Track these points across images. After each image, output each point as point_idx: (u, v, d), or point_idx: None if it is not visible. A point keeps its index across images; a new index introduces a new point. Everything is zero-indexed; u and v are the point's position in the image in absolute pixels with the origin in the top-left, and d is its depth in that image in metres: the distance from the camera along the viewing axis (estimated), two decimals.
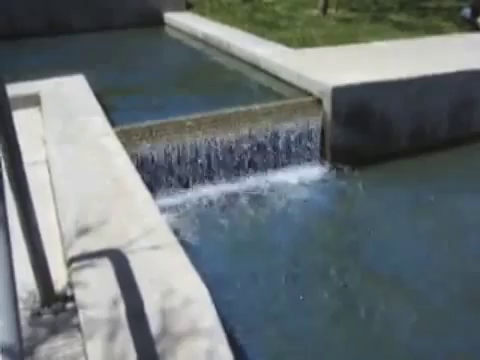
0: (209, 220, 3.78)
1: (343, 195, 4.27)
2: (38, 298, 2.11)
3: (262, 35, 6.41)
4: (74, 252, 2.25)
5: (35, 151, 3.43)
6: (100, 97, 4.33)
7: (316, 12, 7.86)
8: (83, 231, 2.42)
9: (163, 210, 3.57)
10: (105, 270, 2.13)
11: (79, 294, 2.01)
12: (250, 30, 6.74)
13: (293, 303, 2.99)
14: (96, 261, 2.20)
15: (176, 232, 2.57)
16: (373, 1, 8.73)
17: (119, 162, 3.14)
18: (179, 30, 8.17)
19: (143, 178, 3.03)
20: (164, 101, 4.82)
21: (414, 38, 6.25)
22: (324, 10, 7.82)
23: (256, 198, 4.06)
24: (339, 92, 4.38)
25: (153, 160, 3.96)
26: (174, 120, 4.14)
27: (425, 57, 5.40)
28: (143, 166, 3.90)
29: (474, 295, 3.06)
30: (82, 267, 2.17)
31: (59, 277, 2.22)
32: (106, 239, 2.35)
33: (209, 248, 3.45)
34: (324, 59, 5.37)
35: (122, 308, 1.91)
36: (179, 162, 4.04)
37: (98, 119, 3.83)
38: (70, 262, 2.20)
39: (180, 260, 2.19)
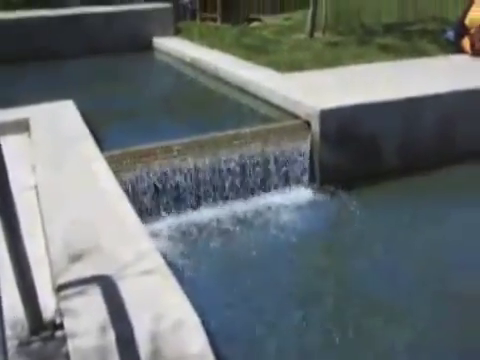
0: (198, 245, 3.77)
1: (333, 217, 4.28)
2: (26, 326, 2.08)
3: (250, 59, 6.47)
4: (63, 279, 2.23)
5: (24, 177, 3.42)
6: (89, 122, 4.34)
7: (303, 36, 7.96)
8: (72, 257, 2.40)
9: (153, 235, 3.56)
10: (94, 297, 2.11)
11: (68, 322, 1.99)
12: (238, 54, 6.81)
13: (284, 329, 2.97)
14: (85, 288, 2.18)
15: (166, 257, 2.56)
16: (359, 24, 8.85)
17: (108, 187, 3.14)
18: (168, 54, 8.24)
19: (133, 203, 3.03)
20: (153, 125, 4.84)
21: (400, 60, 6.34)
22: (311, 34, 7.93)
23: (245, 222, 4.05)
24: (327, 115, 4.43)
25: (142, 185, 3.96)
26: (163, 144, 4.15)
27: (411, 79, 5.48)
28: (133, 191, 3.90)
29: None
30: (71, 294, 2.15)
31: (48, 304, 2.19)
32: (96, 265, 2.33)
33: (199, 273, 3.43)
34: (312, 82, 5.43)
35: (112, 335, 1.89)
36: (168, 187, 4.04)
37: (87, 144, 3.84)
38: (59, 289, 2.18)
39: (170, 285, 2.18)
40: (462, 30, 6.76)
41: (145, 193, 3.98)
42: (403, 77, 5.59)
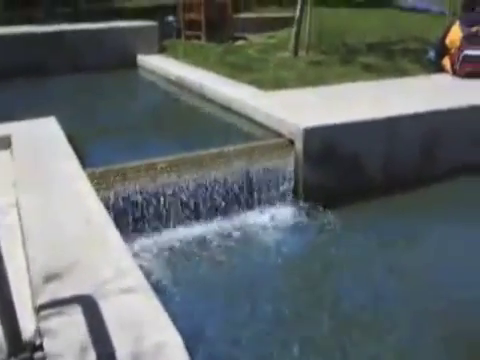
0: (181, 263, 3.74)
1: (317, 236, 4.28)
2: (5, 348, 2.04)
3: (234, 77, 6.50)
4: (43, 299, 2.20)
5: (5, 194, 3.38)
6: (72, 139, 4.31)
7: (287, 54, 8.02)
8: (53, 277, 2.37)
9: (135, 254, 3.54)
10: (75, 317, 2.08)
11: (48, 342, 1.96)
12: (223, 72, 6.84)
13: (268, 350, 2.94)
14: (66, 308, 2.15)
15: (148, 276, 2.54)
16: (342, 43, 8.95)
17: (90, 205, 3.11)
18: (152, 72, 8.26)
19: (115, 221, 3.00)
20: (136, 143, 4.83)
21: (382, 80, 6.41)
22: (295, 52, 7.99)
23: (229, 240, 4.04)
24: (311, 133, 4.45)
25: (125, 203, 3.93)
26: (146, 162, 4.14)
27: (393, 98, 5.54)
28: (115, 209, 3.87)
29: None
30: (51, 314, 2.11)
31: (27, 325, 2.16)
32: (76, 284, 2.30)
33: (181, 292, 3.40)
34: (295, 101, 5.47)
35: (92, 356, 1.86)
36: (151, 205, 4.02)
37: (70, 161, 3.81)
38: (39, 309, 2.15)
39: (152, 304, 2.16)
40: (443, 50, 6.87)
41: (127, 211, 3.96)
42: (386, 96, 5.65)
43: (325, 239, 4.18)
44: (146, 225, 4.04)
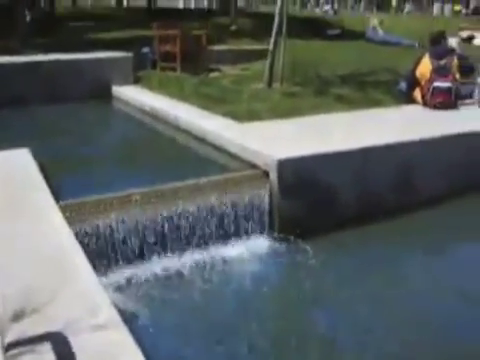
0: (155, 298, 3.67)
1: (291, 268, 4.27)
2: None
3: (209, 109, 6.54)
4: (12, 337, 2.14)
5: None
6: (45, 171, 4.27)
7: (261, 86, 8.11)
8: (23, 314, 2.31)
9: (108, 288, 3.48)
10: (45, 355, 2.03)
11: None
12: (197, 104, 6.88)
13: None
14: (36, 346, 2.09)
15: (121, 311, 2.49)
16: (316, 75, 9.09)
17: (63, 238, 3.08)
18: (127, 103, 8.26)
19: (88, 255, 2.96)
20: (111, 175, 4.81)
21: (355, 111, 6.52)
22: (269, 84, 8.09)
23: (204, 273, 3.99)
24: (285, 164, 4.48)
25: (98, 236, 3.88)
26: (121, 194, 4.11)
27: (366, 129, 5.63)
28: (88, 242, 3.81)
29: None
30: (21, 353, 2.06)
31: None
32: (47, 321, 2.25)
33: (155, 327, 3.34)
34: (270, 132, 5.51)
35: None
36: (125, 237, 3.98)
37: (42, 194, 3.77)
38: (8, 348, 2.09)
39: (125, 341, 2.12)
40: (413, 82, 7.04)
41: (100, 244, 3.90)
42: (359, 127, 5.74)
43: (301, 271, 4.16)
44: (120, 258, 3.98)
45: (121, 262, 4.00)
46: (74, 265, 2.75)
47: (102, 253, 3.91)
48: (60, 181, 4.40)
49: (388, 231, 4.71)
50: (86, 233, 3.84)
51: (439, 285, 3.94)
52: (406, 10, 41.39)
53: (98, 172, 4.88)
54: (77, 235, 3.47)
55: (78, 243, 3.05)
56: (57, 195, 3.85)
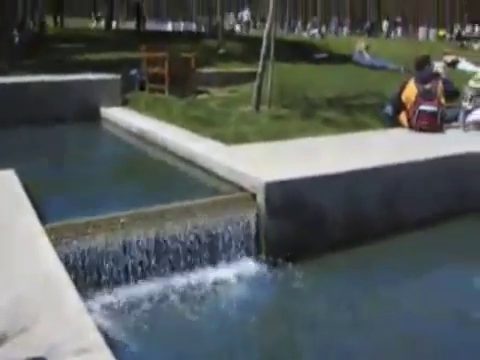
0: (140, 322, 3.63)
1: (279, 291, 4.26)
2: None
3: (197, 131, 6.55)
4: None
5: None
6: (31, 193, 4.25)
7: (249, 108, 8.15)
8: (6, 337, 2.28)
9: (92, 311, 3.44)
10: None
11: None
12: (185, 126, 6.89)
13: None
14: None
15: (106, 334, 2.46)
16: (303, 98, 9.16)
17: (48, 261, 3.05)
18: (115, 125, 8.26)
19: (73, 277, 2.94)
20: (97, 197, 4.78)
21: (342, 134, 6.57)
22: (257, 107, 8.13)
23: (190, 297, 3.97)
24: (272, 187, 4.49)
25: (84, 259, 3.84)
26: (107, 217, 4.08)
27: (353, 152, 5.67)
28: (73, 265, 3.78)
29: None
30: None
31: None
32: (31, 345, 2.21)
33: (139, 352, 3.30)
34: (257, 154, 5.53)
35: None
36: (111, 260, 3.94)
37: (28, 216, 3.75)
38: None
39: None
40: (399, 106, 7.12)
41: (87, 267, 3.86)
42: (346, 150, 5.78)
43: (289, 295, 4.15)
44: (106, 281, 3.94)
45: (107, 285, 3.96)
46: (59, 288, 2.73)
47: (88, 276, 3.87)
48: (46, 203, 4.37)
49: (377, 253, 4.72)
50: (72, 255, 3.81)
51: (430, 308, 3.94)
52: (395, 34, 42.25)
53: (85, 194, 4.84)
54: (62, 257, 3.44)
55: (63, 266, 3.03)
56: (43, 217, 3.82)
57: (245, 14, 37.45)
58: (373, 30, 40.48)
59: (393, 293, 4.16)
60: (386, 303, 4.04)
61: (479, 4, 38.52)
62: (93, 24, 24.68)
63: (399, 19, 45.45)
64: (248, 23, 36.16)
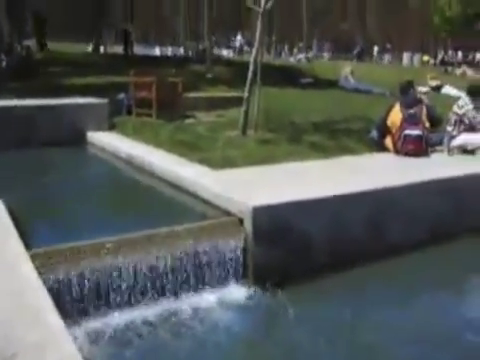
0: (126, 347, 3.60)
1: (268, 316, 4.23)
2: None
3: (184, 155, 6.56)
4: None
5: None
6: (16, 218, 4.21)
7: (236, 133, 8.19)
8: None
9: (77, 338, 3.40)
10: None
11: None
12: (172, 150, 6.90)
13: None
14: None
15: None
16: (289, 123, 9.23)
17: (32, 287, 3.02)
18: (102, 149, 8.25)
19: (57, 304, 2.90)
20: (83, 222, 4.75)
21: (329, 158, 6.61)
22: (244, 131, 8.17)
23: (176, 323, 3.93)
24: (259, 212, 4.49)
25: (69, 285, 3.80)
26: (93, 242, 4.06)
27: (340, 177, 5.70)
28: (58, 291, 3.73)
29: None
30: None
31: None
32: None
33: None
34: (244, 179, 5.54)
35: None
36: (96, 286, 3.91)
37: (12, 241, 3.71)
38: None
39: None
40: (385, 130, 7.20)
41: (71, 293, 3.82)
42: (333, 174, 5.81)
43: (276, 322, 4.12)
44: (91, 308, 3.90)
45: (91, 311, 3.91)
46: (43, 314, 2.70)
47: (72, 302, 3.83)
48: (31, 228, 4.34)
49: (364, 278, 4.72)
50: (56, 282, 3.77)
51: (416, 332, 3.94)
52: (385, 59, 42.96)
53: (71, 220, 4.82)
54: (47, 284, 3.41)
55: (47, 292, 3.00)
56: (28, 242, 3.79)
57: (238, 39, 37.93)
58: (363, 55, 41.12)
59: (381, 319, 4.16)
60: (374, 329, 4.02)
61: (462, 31, 39.34)
62: (89, 48, 24.84)
63: (389, 45, 46.32)
64: (242, 48, 36.58)
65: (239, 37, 38.02)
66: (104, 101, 9.53)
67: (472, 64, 37.00)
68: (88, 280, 3.89)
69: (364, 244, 5.11)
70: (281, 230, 4.62)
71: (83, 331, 3.73)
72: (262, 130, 8.29)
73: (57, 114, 8.86)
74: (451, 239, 5.45)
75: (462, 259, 5.24)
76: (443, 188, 5.72)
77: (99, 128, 9.01)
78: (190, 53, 30.51)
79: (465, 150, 7.06)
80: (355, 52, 41.34)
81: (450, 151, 7.08)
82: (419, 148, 6.89)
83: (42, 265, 3.68)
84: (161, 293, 4.18)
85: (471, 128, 7.17)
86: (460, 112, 7.25)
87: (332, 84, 15.88)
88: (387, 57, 44.28)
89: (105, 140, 8.37)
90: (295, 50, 40.32)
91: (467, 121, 7.19)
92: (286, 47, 44.32)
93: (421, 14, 47.35)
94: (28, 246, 3.72)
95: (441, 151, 7.17)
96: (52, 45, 21.27)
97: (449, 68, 31.98)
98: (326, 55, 43.55)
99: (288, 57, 38.74)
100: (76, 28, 37.55)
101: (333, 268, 4.75)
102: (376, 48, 44.61)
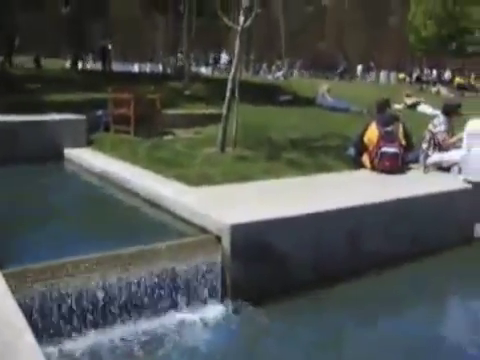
0: None
1: (246, 334, 4.21)
2: None
3: (162, 172, 6.53)
4: None
5: None
6: None
7: (214, 150, 8.19)
8: None
9: (50, 358, 3.34)
10: None
11: None
12: (150, 167, 6.87)
13: None
14: None
15: None
16: (267, 140, 9.26)
17: (5, 307, 2.95)
18: (79, 166, 8.18)
19: (31, 324, 2.85)
20: (59, 240, 4.68)
21: (307, 176, 6.64)
22: (222, 148, 8.18)
23: (154, 342, 3.89)
24: (237, 229, 4.48)
25: (43, 305, 3.74)
26: (69, 261, 4.00)
27: (318, 194, 5.73)
28: (32, 311, 3.67)
29: None
30: None
31: None
32: None
33: None
34: (222, 196, 5.54)
35: None
36: (72, 306, 3.84)
37: None
38: None
39: None
40: (361, 147, 7.27)
41: (46, 314, 3.75)
42: (310, 192, 5.84)
43: (253, 338, 4.11)
44: (67, 328, 3.83)
45: (67, 331, 3.85)
46: (16, 335, 2.64)
47: (46, 322, 3.76)
48: (3, 247, 4.26)
49: (344, 294, 4.73)
50: (30, 301, 3.70)
51: (391, 351, 3.95)
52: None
53: (46, 238, 4.74)
54: (21, 303, 3.34)
55: (21, 312, 2.94)
56: (1, 263, 3.72)
57: (223, 57, 38.10)
58: (346, 74, 41.58)
59: (360, 335, 4.16)
60: (354, 346, 4.04)
61: (436, 50, 40.20)
62: (67, 64, 24.75)
63: (372, 64, 47.03)
64: (226, 65, 36.69)
65: (224, 55, 38.21)
66: (82, 117, 9.48)
67: (443, 81, 37.79)
68: (63, 299, 3.83)
69: (343, 261, 5.13)
70: (259, 248, 4.62)
71: (57, 351, 3.67)
72: (240, 147, 8.30)
73: (34, 130, 8.77)
74: (433, 256, 5.53)
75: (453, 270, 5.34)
76: (418, 205, 5.78)
77: (77, 144, 8.95)
78: (168, 70, 30.57)
79: (440, 167, 7.16)
80: (338, 71, 41.82)
81: (426, 168, 7.17)
82: (395, 165, 6.98)
83: (15, 284, 3.61)
84: (138, 312, 4.13)
85: (440, 149, 7.30)
86: (434, 130, 7.37)
87: (310, 102, 16.01)
88: (372, 75, 44.76)
89: (82, 156, 8.30)
90: (273, 68, 40.62)
91: (436, 141, 7.33)
92: (264, 65, 44.64)
93: (398, 33, 48.22)
94: (1, 265, 3.65)
95: (417, 168, 7.26)
96: (28, 60, 21.18)
97: (424, 86, 32.57)
98: (296, 73, 43.90)
99: (266, 75, 39.00)
100: (53, 43, 37.42)
101: (312, 285, 4.75)
102: (360, 67, 45.15)
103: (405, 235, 5.62)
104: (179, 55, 19.92)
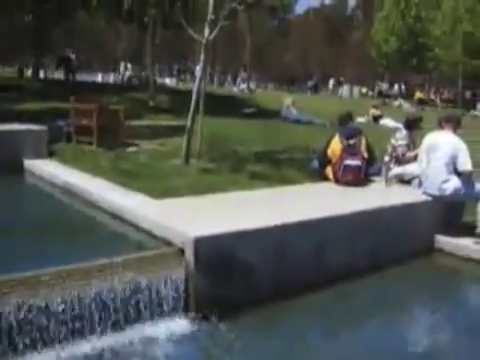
0: None
1: (210, 348, 4.15)
2: None
3: (125, 184, 6.44)
4: None
5: None
6: None
7: (178, 162, 8.15)
8: None
9: None
10: None
11: None
12: (113, 179, 6.77)
13: None
14: None
15: None
16: (231, 152, 9.27)
17: None
18: (40, 178, 8.01)
19: None
20: (17, 254, 4.56)
21: (271, 188, 6.65)
22: (186, 160, 8.15)
23: (117, 357, 3.80)
24: (201, 242, 4.44)
25: (2, 320, 3.62)
26: (28, 275, 3.88)
27: (282, 206, 5.73)
28: None
29: None
30: None
31: None
32: None
33: None
34: (186, 209, 5.49)
35: None
36: (33, 321, 3.73)
37: None
38: None
39: None
40: (325, 160, 7.33)
41: (4, 329, 3.63)
42: (274, 204, 5.84)
43: (217, 352, 4.06)
44: (27, 344, 3.71)
45: (26, 348, 3.72)
46: None
47: (7, 338, 3.64)
48: None
49: (309, 307, 4.73)
50: None
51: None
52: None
53: (3, 251, 4.60)
54: None
55: None
56: None
57: (197, 69, 38.06)
58: (317, 88, 42.09)
59: (327, 348, 4.16)
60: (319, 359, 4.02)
61: (398, 65, 41.14)
62: (28, 73, 24.35)
63: (342, 79, 47.79)
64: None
65: (198, 67, 38.26)
66: (43, 128, 9.32)
67: (403, 95, 38.71)
68: (22, 315, 3.71)
69: (307, 273, 5.13)
70: (223, 260, 4.58)
71: None
72: (205, 159, 8.29)
73: None
74: (396, 267, 5.59)
75: (415, 281, 5.39)
76: (380, 217, 5.84)
77: (37, 155, 8.78)
78: (133, 81, 30.39)
79: (402, 180, 7.27)
80: (310, 85, 42.30)
81: (388, 181, 7.26)
82: (358, 178, 7.04)
83: None
84: (99, 327, 4.03)
85: (401, 162, 7.43)
86: (396, 144, 7.49)
87: (274, 114, 16.13)
88: (344, 89, 45.38)
89: (43, 168, 8.14)
90: (238, 80, 40.83)
91: (395, 155, 7.46)
92: (229, 77, 44.86)
93: (360, 48, 49.18)
94: None
95: (379, 181, 7.35)
96: None
97: (386, 100, 33.25)
98: (261, 85, 44.28)
99: (231, 87, 39.16)
100: (12, 51, 36.76)
101: (277, 297, 4.73)
102: (331, 81, 45.83)
103: (368, 246, 5.66)
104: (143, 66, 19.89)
